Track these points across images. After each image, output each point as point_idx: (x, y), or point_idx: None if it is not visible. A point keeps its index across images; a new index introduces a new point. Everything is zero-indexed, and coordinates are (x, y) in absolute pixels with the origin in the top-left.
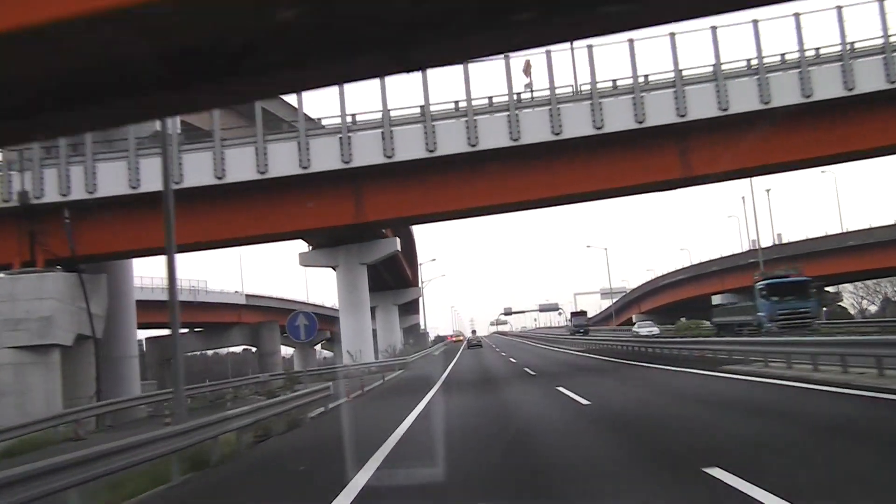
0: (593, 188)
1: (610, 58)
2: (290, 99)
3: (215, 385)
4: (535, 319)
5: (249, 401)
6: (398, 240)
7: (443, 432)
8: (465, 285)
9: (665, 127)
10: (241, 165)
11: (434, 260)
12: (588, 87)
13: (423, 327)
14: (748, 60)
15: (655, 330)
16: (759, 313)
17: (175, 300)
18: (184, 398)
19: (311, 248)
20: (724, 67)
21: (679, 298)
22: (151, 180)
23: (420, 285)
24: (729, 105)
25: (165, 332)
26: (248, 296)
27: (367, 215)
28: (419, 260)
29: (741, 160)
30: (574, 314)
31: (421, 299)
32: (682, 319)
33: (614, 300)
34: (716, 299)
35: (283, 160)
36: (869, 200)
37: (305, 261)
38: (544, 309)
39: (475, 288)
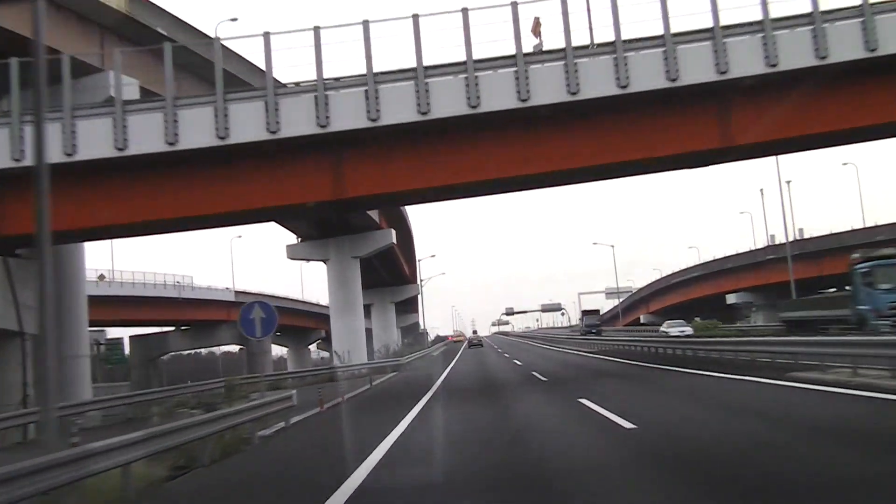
0: (616, 159)
1: (635, 7)
2: (257, 59)
3: (144, 395)
4: (538, 320)
5: (180, 416)
6: (393, 231)
7: (427, 473)
8: (466, 286)
9: (702, 86)
10: (197, 129)
11: (433, 256)
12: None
13: (422, 327)
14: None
15: (688, 330)
16: (863, 306)
17: (46, 295)
18: (55, 418)
19: (299, 239)
20: (771, 15)
21: (690, 297)
22: (92, 145)
23: (419, 282)
24: (778, 60)
25: (150, 330)
26: (237, 292)
27: (348, 190)
28: (418, 256)
29: (790, 127)
30: (586, 312)
31: (420, 297)
32: (697, 319)
33: (621, 300)
34: (730, 298)
35: (247, 123)
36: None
37: (294, 254)
38: (547, 309)
39: (476, 288)
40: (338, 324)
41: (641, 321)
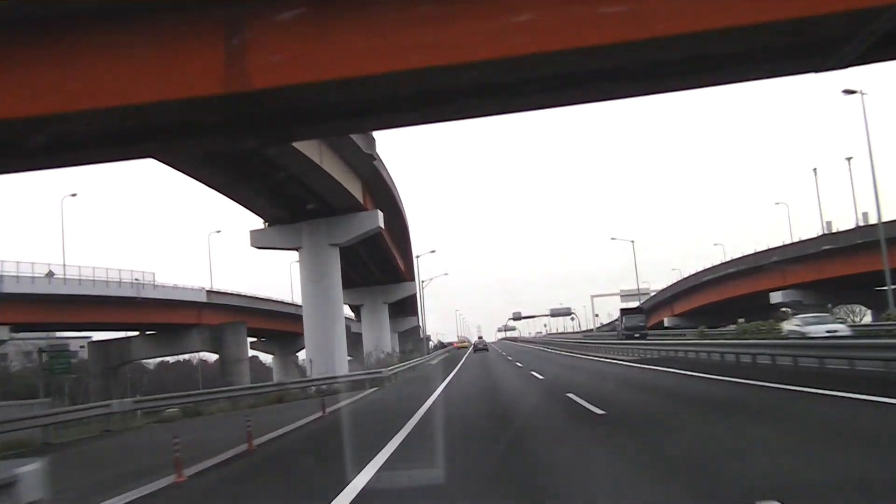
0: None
1: None
2: None
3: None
4: (545, 325)
5: None
6: (380, 214)
7: None
8: (471, 292)
9: None
10: None
11: (434, 251)
12: None
13: (423, 331)
14: None
15: (840, 328)
16: None
17: None
18: None
19: (265, 224)
20: None
21: (724, 297)
22: None
23: (417, 281)
24: None
25: (113, 335)
26: (211, 292)
27: (252, 77)
28: (415, 253)
29: None
30: (626, 312)
31: (419, 297)
32: (741, 321)
33: (641, 301)
34: (775, 297)
35: None
36: None
37: (259, 241)
38: (556, 314)
39: (481, 294)
40: (312, 326)
41: (665, 325)
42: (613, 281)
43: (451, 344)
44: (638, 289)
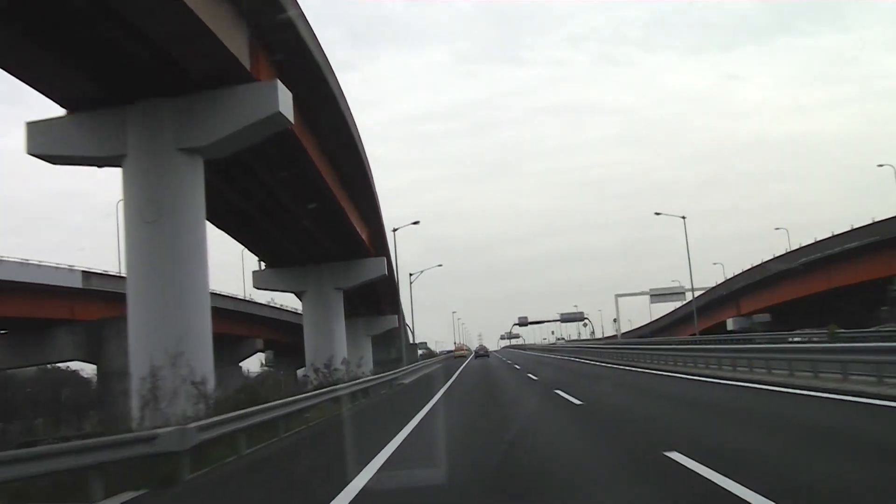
0: None
1: None
2: None
3: None
4: (553, 332)
5: None
6: (284, 89)
7: None
8: (475, 300)
9: None
10: None
11: (417, 223)
12: None
13: (405, 335)
14: None
15: None
16: None
17: None
18: None
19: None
20: None
21: (826, 288)
22: None
23: (392, 261)
24: None
25: None
26: (88, 274)
27: None
28: (392, 227)
29: None
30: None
31: (396, 279)
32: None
33: (692, 298)
34: None
35: None
36: None
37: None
38: (567, 319)
39: (484, 300)
40: (140, 309)
41: (729, 327)
42: (641, 279)
43: (449, 352)
44: (692, 286)
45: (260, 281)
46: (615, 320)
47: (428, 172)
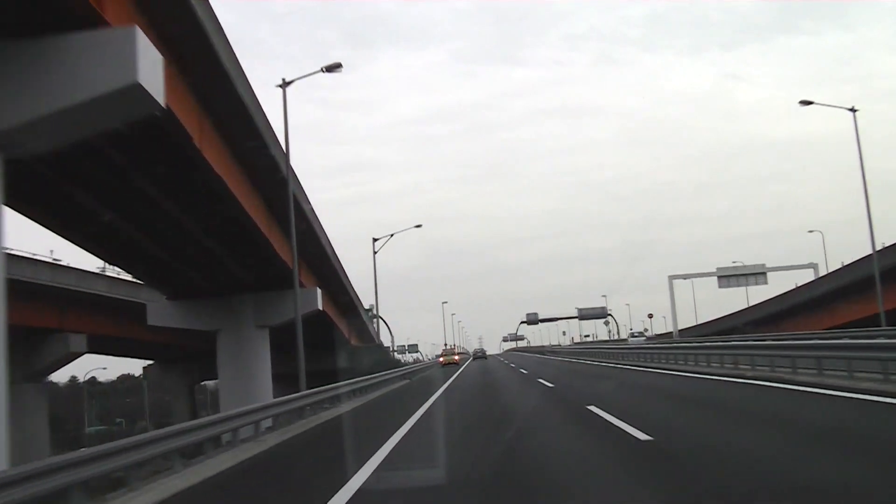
0: None
1: None
2: None
3: None
4: (564, 333)
5: None
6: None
7: None
8: (473, 300)
9: None
10: None
11: (420, 226)
12: None
13: (377, 331)
14: None
15: None
16: None
17: None
18: None
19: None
20: None
21: None
22: None
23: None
24: None
25: None
26: None
27: None
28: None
29: None
30: None
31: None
32: None
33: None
34: None
35: None
36: None
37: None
38: (586, 316)
39: (484, 301)
40: None
41: None
42: (690, 261)
43: (436, 359)
44: (826, 265)
45: (156, 316)
46: (650, 316)
47: (428, 173)
